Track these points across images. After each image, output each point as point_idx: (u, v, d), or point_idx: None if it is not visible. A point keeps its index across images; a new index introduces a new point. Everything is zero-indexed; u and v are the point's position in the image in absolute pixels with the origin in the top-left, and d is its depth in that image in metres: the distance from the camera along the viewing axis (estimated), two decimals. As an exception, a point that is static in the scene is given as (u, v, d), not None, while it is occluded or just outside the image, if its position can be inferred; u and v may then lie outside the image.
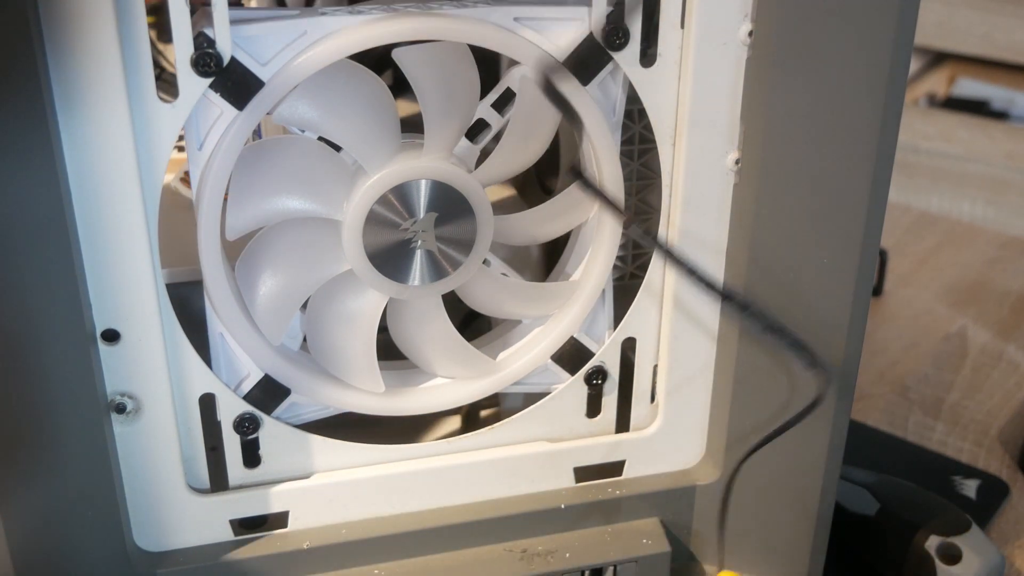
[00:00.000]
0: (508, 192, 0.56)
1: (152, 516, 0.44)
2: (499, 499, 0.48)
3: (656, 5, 0.42)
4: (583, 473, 0.49)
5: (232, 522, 0.45)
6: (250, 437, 0.44)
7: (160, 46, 0.45)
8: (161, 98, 0.38)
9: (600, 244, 0.46)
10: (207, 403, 0.43)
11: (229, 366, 0.44)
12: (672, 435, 0.49)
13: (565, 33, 0.42)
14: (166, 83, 0.38)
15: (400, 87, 0.44)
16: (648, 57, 0.42)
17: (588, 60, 0.42)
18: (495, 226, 0.44)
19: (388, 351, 0.46)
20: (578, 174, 0.42)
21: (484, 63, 0.42)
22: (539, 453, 0.48)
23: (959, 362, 0.76)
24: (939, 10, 1.43)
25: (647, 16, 0.42)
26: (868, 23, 0.39)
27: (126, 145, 0.38)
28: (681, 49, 0.42)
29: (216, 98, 0.39)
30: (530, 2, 0.41)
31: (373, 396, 0.46)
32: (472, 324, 0.51)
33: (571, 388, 0.48)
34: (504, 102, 0.44)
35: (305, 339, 0.45)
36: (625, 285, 0.49)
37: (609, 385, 0.48)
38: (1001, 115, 1.42)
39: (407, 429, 0.49)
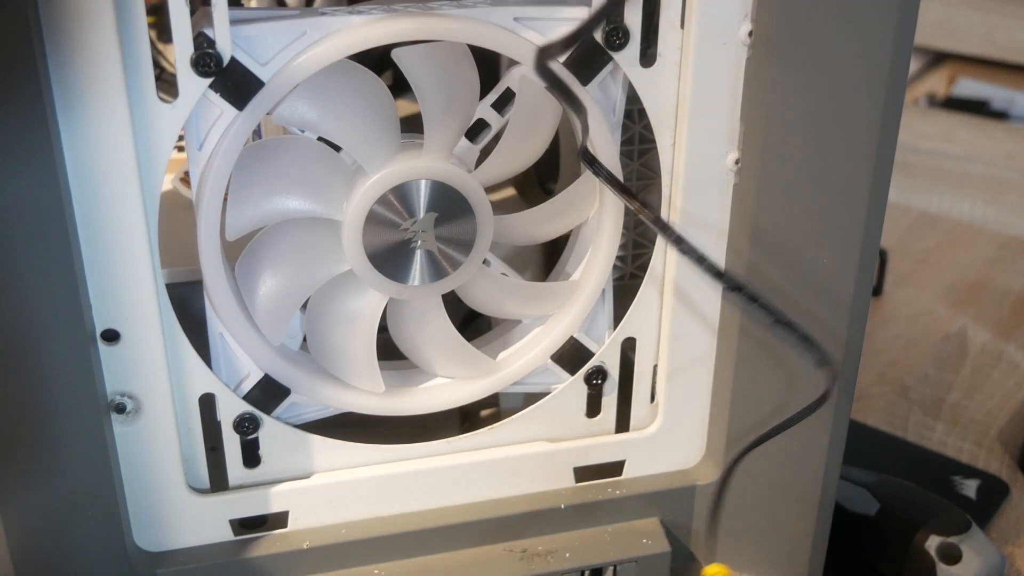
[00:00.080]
0: (508, 192, 0.56)
1: (152, 516, 0.44)
2: (499, 499, 0.48)
3: (656, 5, 0.42)
4: (583, 473, 0.49)
5: (232, 522, 0.45)
6: (250, 437, 0.44)
7: (160, 46, 0.45)
8: (161, 98, 0.38)
9: (600, 244, 0.46)
10: (207, 403, 0.43)
11: (229, 366, 0.44)
12: (672, 435, 0.49)
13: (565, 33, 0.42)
14: (166, 83, 0.38)
15: (400, 87, 0.44)
16: (648, 57, 0.42)
17: (588, 60, 0.42)
18: (495, 226, 0.44)
19: (388, 351, 0.46)
20: (588, 156, 0.41)
21: (484, 63, 0.42)
22: (539, 453, 0.48)
23: (959, 362, 0.76)
24: (939, 10, 1.43)
25: (647, 16, 0.42)
26: (868, 23, 0.40)
27: (126, 145, 0.38)
28: (681, 49, 0.42)
29: (216, 98, 0.39)
30: (530, 2, 0.41)
31: (373, 396, 0.46)
32: (472, 324, 0.51)
33: (571, 388, 0.48)
34: (504, 102, 0.44)
35: (305, 339, 0.45)
36: (625, 285, 0.49)
37: (609, 385, 0.48)
38: (1001, 115, 1.41)
39: (407, 429, 0.49)
